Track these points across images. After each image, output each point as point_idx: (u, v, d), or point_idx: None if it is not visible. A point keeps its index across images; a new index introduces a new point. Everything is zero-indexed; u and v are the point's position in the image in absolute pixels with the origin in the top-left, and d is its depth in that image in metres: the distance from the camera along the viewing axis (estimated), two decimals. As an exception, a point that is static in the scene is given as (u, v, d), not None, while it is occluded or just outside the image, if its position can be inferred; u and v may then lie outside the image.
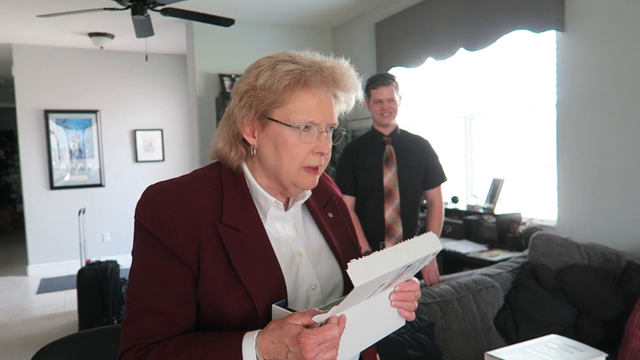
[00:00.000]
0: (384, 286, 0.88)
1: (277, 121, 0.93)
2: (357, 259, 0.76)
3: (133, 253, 0.93)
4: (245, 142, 0.98)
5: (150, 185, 0.94)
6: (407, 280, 0.95)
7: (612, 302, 2.22)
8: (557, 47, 3.02)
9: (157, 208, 0.90)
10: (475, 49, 3.50)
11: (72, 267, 5.37)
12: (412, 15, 4.09)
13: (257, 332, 0.82)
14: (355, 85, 0.98)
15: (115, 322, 4.01)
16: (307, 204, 1.08)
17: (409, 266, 0.87)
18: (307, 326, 0.78)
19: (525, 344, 1.30)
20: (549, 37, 3.08)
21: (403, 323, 0.98)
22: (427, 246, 0.89)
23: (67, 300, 4.80)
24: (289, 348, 0.77)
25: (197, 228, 0.89)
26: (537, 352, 1.21)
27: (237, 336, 0.82)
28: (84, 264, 4.25)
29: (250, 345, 0.80)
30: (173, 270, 0.89)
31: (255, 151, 0.97)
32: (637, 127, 2.64)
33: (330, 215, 1.11)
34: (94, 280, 3.92)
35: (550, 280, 2.34)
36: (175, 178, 0.97)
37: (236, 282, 0.89)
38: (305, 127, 0.93)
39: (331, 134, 0.98)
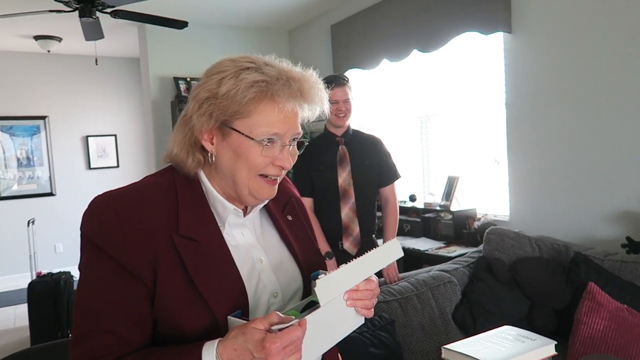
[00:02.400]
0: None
1: (240, 132, 0.89)
2: (322, 272, 0.80)
3: (80, 268, 0.86)
4: (203, 149, 0.93)
5: (98, 196, 0.88)
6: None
7: (562, 292, 2.32)
8: (504, 49, 3.13)
9: (105, 220, 0.84)
10: (429, 51, 3.59)
11: (22, 281, 5.13)
12: (367, 17, 4.14)
13: (217, 341, 0.79)
14: (322, 99, 0.95)
15: (70, 335, 3.85)
16: (266, 207, 1.05)
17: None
18: (269, 331, 0.77)
19: (480, 336, 1.33)
20: (498, 39, 3.19)
21: (362, 321, 0.98)
22: (391, 254, 0.94)
23: (17, 316, 4.59)
24: (253, 354, 0.75)
25: (151, 241, 0.84)
26: (491, 343, 1.25)
27: (196, 347, 0.79)
28: (34, 277, 4.07)
29: (210, 356, 0.77)
30: (125, 287, 0.83)
31: (213, 159, 0.93)
32: (581, 125, 2.77)
33: (290, 217, 1.09)
34: (46, 293, 3.76)
35: (504, 273, 2.42)
36: (124, 186, 0.91)
37: (196, 296, 0.85)
38: (269, 140, 0.90)
39: (295, 145, 0.96)
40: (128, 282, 0.83)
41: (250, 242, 0.99)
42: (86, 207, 0.88)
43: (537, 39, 2.94)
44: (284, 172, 0.96)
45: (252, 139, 0.89)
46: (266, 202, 1.02)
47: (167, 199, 0.90)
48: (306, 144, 1.00)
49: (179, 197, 0.91)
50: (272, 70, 0.89)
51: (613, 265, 2.29)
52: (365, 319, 0.97)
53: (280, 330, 0.77)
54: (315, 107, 0.96)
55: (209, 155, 0.93)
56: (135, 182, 0.94)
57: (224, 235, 0.94)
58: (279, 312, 0.80)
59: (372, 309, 0.97)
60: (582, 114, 2.76)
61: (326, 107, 0.98)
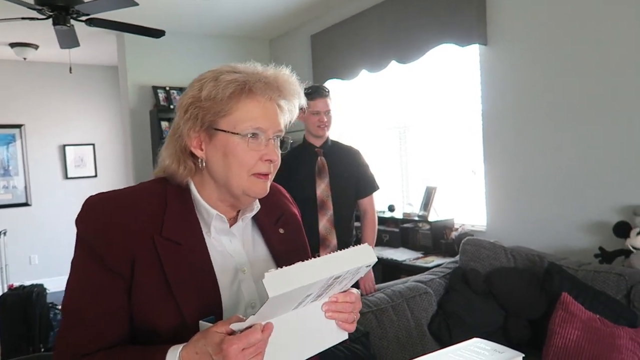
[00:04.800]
0: (312, 296, 0.86)
1: (225, 130, 0.93)
2: (277, 268, 0.75)
3: (71, 263, 0.92)
4: (193, 156, 0.97)
5: (92, 195, 0.94)
6: (344, 291, 0.93)
7: (537, 302, 2.33)
8: (480, 60, 3.17)
9: (93, 217, 0.90)
10: (407, 62, 3.61)
11: (-6, 293, 5.00)
12: (346, 28, 4.16)
13: (182, 345, 0.80)
14: (298, 92, 1.00)
15: (43, 350, 3.76)
16: (257, 219, 1.06)
17: (337, 277, 0.85)
18: (230, 334, 0.77)
19: (448, 349, 1.32)
20: (474, 51, 3.23)
21: (345, 336, 0.96)
22: (359, 258, 0.88)
23: (-11, 330, 4.44)
24: (212, 357, 0.76)
25: (132, 239, 0.89)
26: (460, 357, 1.24)
27: (161, 350, 0.81)
28: (6, 289, 3.97)
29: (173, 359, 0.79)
30: (105, 281, 0.88)
31: (204, 164, 0.96)
32: (555, 136, 2.81)
33: (282, 231, 1.09)
34: (18, 306, 3.67)
35: (480, 284, 2.42)
36: (118, 189, 0.97)
37: (168, 295, 0.88)
38: (253, 134, 0.93)
39: (278, 142, 0.99)
40: (108, 276, 0.88)
41: (237, 251, 1.00)
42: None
43: (511, 51, 2.99)
44: (273, 169, 0.98)
45: (237, 134, 0.93)
46: (256, 211, 1.03)
47: (156, 204, 0.94)
48: (290, 141, 1.03)
49: (168, 203, 0.95)
50: (248, 70, 0.96)
51: (586, 275, 2.31)
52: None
53: (241, 331, 0.76)
54: (293, 101, 1.01)
55: (200, 161, 0.96)
56: (130, 186, 1.00)
57: (211, 241, 0.97)
58: (240, 315, 0.80)
59: (355, 324, 0.96)
60: (556, 125, 2.80)
61: (303, 101, 1.03)
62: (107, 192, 0.95)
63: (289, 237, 1.10)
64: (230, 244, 1.00)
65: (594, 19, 2.59)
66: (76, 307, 0.88)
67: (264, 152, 0.95)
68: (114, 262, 0.87)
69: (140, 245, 0.89)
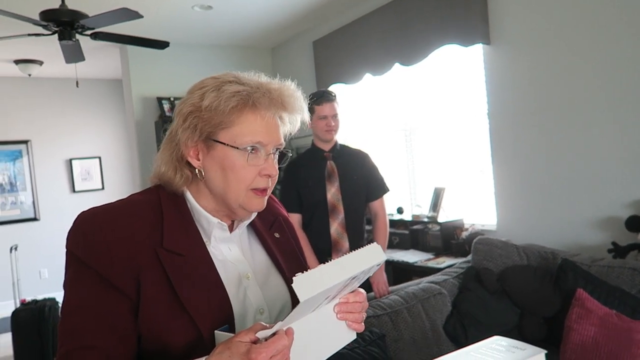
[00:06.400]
0: (329, 299, 0.87)
1: (224, 143, 0.90)
2: (302, 272, 0.75)
3: (64, 286, 0.86)
4: (189, 165, 0.95)
5: (83, 212, 0.89)
6: (352, 292, 0.94)
7: (551, 299, 2.32)
8: (484, 60, 3.18)
9: (90, 234, 0.85)
10: (410, 64, 3.62)
11: (6, 309, 5.02)
12: (348, 33, 4.18)
13: (203, 358, 0.78)
14: (301, 107, 0.98)
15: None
16: (252, 225, 1.06)
17: (354, 278, 0.87)
18: (254, 342, 0.76)
19: (469, 348, 1.31)
20: (477, 51, 3.23)
21: (354, 336, 0.97)
22: (371, 257, 0.90)
23: (1, 345, 4.47)
24: None
25: (135, 254, 0.85)
26: (481, 355, 1.23)
27: None
28: (18, 305, 3.99)
29: None
30: (109, 300, 0.83)
31: (202, 174, 0.94)
32: (563, 133, 2.81)
33: (277, 235, 1.09)
34: (31, 321, 3.68)
35: (493, 282, 2.42)
36: (110, 203, 0.92)
37: (180, 309, 0.85)
38: (253, 149, 0.91)
39: (277, 156, 0.97)
40: (112, 296, 0.83)
41: (238, 258, 0.99)
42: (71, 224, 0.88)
43: (515, 50, 2.99)
44: (271, 183, 0.96)
45: (237, 148, 0.90)
46: (252, 218, 1.02)
47: (152, 215, 0.91)
48: (289, 155, 1.01)
49: (164, 213, 0.92)
50: (252, 82, 0.93)
51: (600, 270, 2.30)
52: (356, 334, 0.96)
53: (266, 339, 0.76)
54: (296, 116, 0.99)
55: (197, 171, 0.94)
56: (121, 199, 0.94)
57: (211, 249, 0.95)
58: (262, 322, 0.79)
59: (363, 324, 0.96)
60: (563, 122, 2.80)
61: (306, 116, 1.01)
62: (100, 207, 0.90)
63: (284, 241, 1.10)
64: (230, 251, 0.98)
65: (597, 17, 2.59)
66: (80, 330, 0.81)
67: (262, 166, 0.93)
68: (118, 280, 0.83)
69: (144, 259, 0.85)
